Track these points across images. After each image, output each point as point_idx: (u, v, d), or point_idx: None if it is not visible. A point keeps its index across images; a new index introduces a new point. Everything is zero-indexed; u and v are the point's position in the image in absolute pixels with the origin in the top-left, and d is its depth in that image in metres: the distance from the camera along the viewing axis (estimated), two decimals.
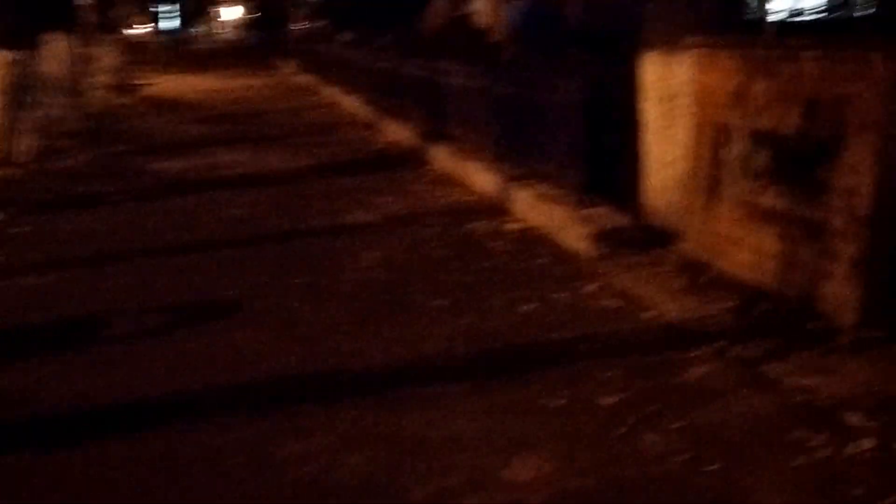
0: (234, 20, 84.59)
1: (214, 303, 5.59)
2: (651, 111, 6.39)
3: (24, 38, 11.82)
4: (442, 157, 10.18)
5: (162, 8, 48.52)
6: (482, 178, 8.62)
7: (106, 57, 23.44)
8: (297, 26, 38.40)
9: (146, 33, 49.64)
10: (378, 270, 6.11)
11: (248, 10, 69.46)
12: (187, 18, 56.06)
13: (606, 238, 6.04)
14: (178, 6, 50.74)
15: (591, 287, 5.41)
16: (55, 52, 14.86)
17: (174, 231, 7.61)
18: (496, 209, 7.74)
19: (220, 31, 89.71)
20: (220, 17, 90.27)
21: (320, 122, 15.47)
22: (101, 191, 9.64)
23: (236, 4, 77.00)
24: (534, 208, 7.19)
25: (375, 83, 15.43)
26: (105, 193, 9.45)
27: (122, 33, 62.63)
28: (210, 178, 10.32)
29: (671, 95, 6.14)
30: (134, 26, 60.08)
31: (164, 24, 49.62)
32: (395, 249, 6.63)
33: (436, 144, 10.55)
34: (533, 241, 6.66)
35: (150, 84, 26.74)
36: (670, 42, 6.16)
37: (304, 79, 25.85)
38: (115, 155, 12.51)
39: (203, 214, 8.23)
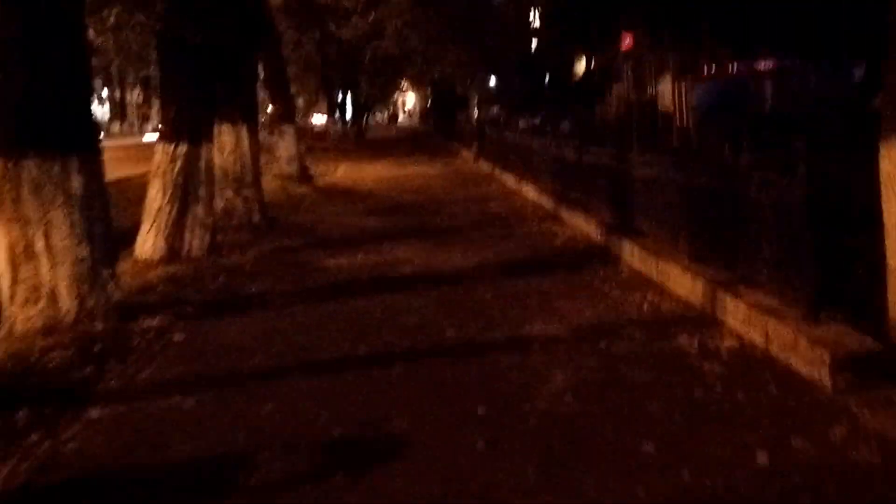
0: (411, 108, 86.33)
1: (376, 437, 4.82)
2: None
3: (195, 129, 11.56)
4: (633, 255, 9.26)
5: (340, 96, 49.42)
6: (683, 282, 7.64)
7: (284, 145, 23.63)
8: (474, 113, 38.34)
9: (326, 121, 50.77)
10: (567, 399, 5.22)
11: (424, 98, 70.54)
12: (365, 106, 57.08)
13: (849, 364, 4.98)
14: (355, 94, 51.62)
15: (838, 431, 4.39)
16: (230, 143, 14.76)
17: (338, 342, 6.92)
18: (704, 320, 6.75)
19: (396, 118, 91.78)
20: (396, 104, 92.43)
21: (499, 213, 14.79)
22: (266, 291, 9.14)
23: (411, 92, 78.55)
24: (751, 322, 6.16)
25: (556, 171, 14.74)
26: (270, 294, 8.93)
27: (301, 122, 64.44)
28: (382, 276, 9.69)
29: None
30: (314, 114, 61.74)
31: (342, 113, 50.54)
32: (586, 370, 5.73)
33: (625, 240, 9.63)
34: (754, 364, 5.64)
35: (329, 172, 26.87)
36: None
37: (481, 166, 25.43)
38: (287, 249, 12.10)
39: (371, 322, 7.53)
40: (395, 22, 27.27)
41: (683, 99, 18.14)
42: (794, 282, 5.90)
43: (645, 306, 7.46)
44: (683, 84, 18.00)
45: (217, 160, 14.59)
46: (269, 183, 22.00)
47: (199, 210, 11.61)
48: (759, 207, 6.47)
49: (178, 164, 11.39)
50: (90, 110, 8.36)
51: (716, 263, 7.36)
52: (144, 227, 11.30)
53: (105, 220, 8.08)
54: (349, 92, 51.66)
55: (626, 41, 35.96)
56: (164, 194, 11.33)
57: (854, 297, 5.62)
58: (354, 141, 44.68)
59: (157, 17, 11.22)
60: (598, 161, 11.89)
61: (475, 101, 39.03)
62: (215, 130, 14.48)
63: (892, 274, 5.30)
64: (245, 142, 15.13)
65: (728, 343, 6.11)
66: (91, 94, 8.41)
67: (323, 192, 21.01)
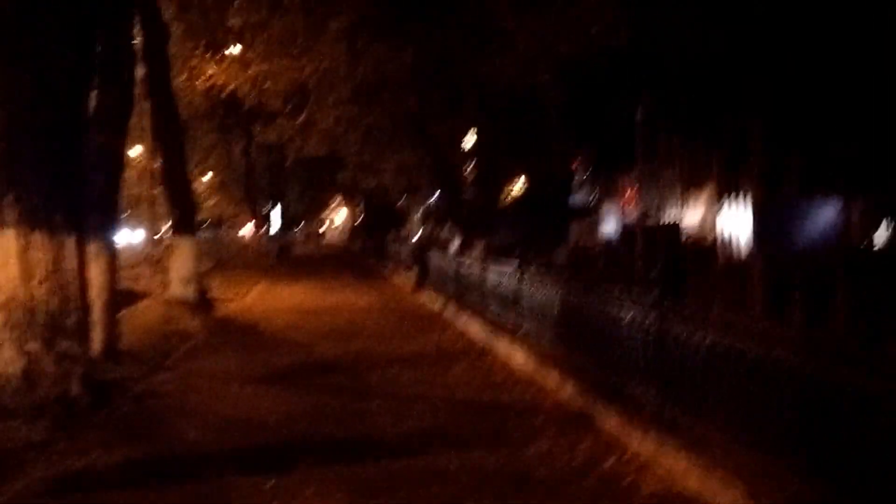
0: (340, 223, 80.00)
1: None
2: None
3: None
4: None
5: (266, 208, 43.23)
6: None
7: (179, 262, 17.27)
8: (413, 231, 32.24)
9: (250, 234, 44.44)
10: None
11: (355, 213, 64.49)
12: (293, 220, 50.98)
13: None
14: (283, 206, 45.59)
15: None
16: (44, 263, 8.42)
17: None
18: None
19: (325, 234, 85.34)
20: (325, 219, 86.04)
21: (472, 398, 8.51)
22: None
23: (342, 207, 72.40)
24: None
25: (546, 320, 8.88)
26: None
27: (228, 233, 57.86)
28: None
29: None
30: (238, 226, 55.21)
31: (268, 226, 44.30)
32: None
33: None
34: None
35: (238, 296, 20.43)
36: None
37: (425, 299, 19.14)
38: (87, 477, 5.85)
39: None
40: (326, 119, 21.19)
41: (732, 226, 12.11)
42: None
43: None
44: (734, 205, 11.98)
45: (20, 292, 8.33)
46: (149, 312, 15.59)
47: None
48: None
49: None
50: None
51: None
52: None
53: None
54: (277, 204, 45.57)
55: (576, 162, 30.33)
56: None
57: None
58: (277, 257, 38.16)
59: None
60: (631, 315, 6.05)
61: (416, 218, 32.96)
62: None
63: None
64: (71, 261, 8.72)
65: None
66: None
67: (219, 329, 14.60)
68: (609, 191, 18.21)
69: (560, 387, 8.20)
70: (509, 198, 31.15)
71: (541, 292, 9.83)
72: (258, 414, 7.85)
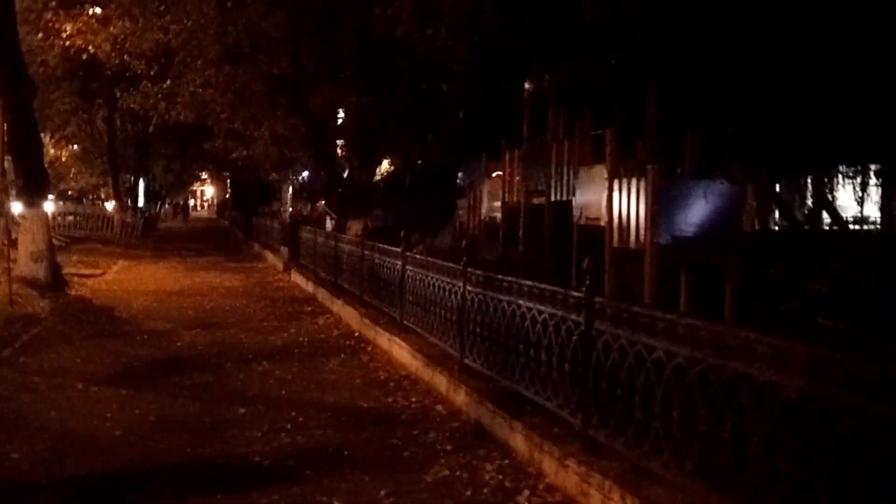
0: (209, 198, 77.38)
1: None
2: None
3: None
4: None
5: (130, 180, 40.85)
6: None
7: (29, 237, 15.58)
8: (284, 209, 30.73)
9: (113, 208, 41.98)
10: None
11: (223, 188, 62.24)
12: (158, 195, 48.56)
13: None
14: (148, 180, 43.16)
15: None
16: None
17: None
18: None
19: (192, 208, 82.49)
20: (192, 195, 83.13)
21: (360, 406, 7.47)
22: None
23: (209, 184, 69.91)
24: None
25: (434, 311, 8.25)
26: None
27: (92, 206, 54.75)
28: None
29: None
30: (102, 198, 52.35)
31: (133, 200, 41.92)
32: None
33: None
34: None
35: (95, 276, 18.71)
36: None
37: (296, 280, 17.93)
38: None
39: None
40: (194, 83, 19.63)
41: (625, 207, 11.33)
42: None
43: None
44: (628, 185, 11.20)
45: None
46: None
47: None
48: None
49: None
50: None
51: None
52: None
53: None
54: (141, 177, 43.16)
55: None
56: None
57: None
58: (141, 233, 36.00)
59: None
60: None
61: (288, 194, 31.44)
62: None
63: None
64: None
65: None
66: None
67: (71, 313, 13.09)
68: (493, 167, 17.35)
69: (453, 391, 7.21)
70: (383, 174, 30.04)
71: (427, 280, 8.80)
72: (103, 425, 6.62)
